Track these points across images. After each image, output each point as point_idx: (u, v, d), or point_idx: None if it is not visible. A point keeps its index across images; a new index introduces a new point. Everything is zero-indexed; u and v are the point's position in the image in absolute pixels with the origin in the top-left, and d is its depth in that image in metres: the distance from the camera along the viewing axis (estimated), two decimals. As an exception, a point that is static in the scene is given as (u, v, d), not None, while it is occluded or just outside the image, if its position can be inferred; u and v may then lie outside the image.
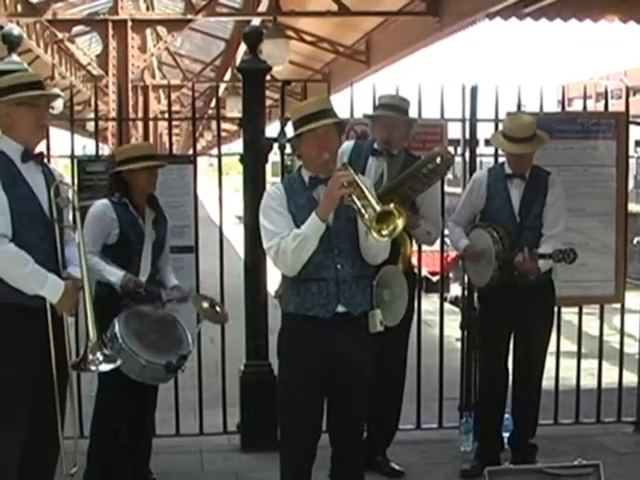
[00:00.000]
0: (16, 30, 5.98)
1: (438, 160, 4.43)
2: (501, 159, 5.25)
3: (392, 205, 3.34)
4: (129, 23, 10.52)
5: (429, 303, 8.19)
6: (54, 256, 3.45)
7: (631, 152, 6.10)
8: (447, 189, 5.39)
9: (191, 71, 18.50)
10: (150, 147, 4.65)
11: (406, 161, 4.58)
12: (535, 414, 4.87)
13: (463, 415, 5.18)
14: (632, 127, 5.53)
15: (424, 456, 5.11)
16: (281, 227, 3.47)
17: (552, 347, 4.90)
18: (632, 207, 18.83)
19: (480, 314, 4.90)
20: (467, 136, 5.40)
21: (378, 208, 3.28)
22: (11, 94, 3.40)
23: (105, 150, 9.38)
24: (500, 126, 5.27)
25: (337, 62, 14.89)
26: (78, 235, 3.50)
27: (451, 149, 5.00)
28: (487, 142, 5.22)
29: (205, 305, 4.37)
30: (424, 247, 5.23)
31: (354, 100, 5.16)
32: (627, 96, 5.81)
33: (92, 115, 5.84)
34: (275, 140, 5.14)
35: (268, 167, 5.29)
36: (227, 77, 16.40)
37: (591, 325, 6.02)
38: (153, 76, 17.23)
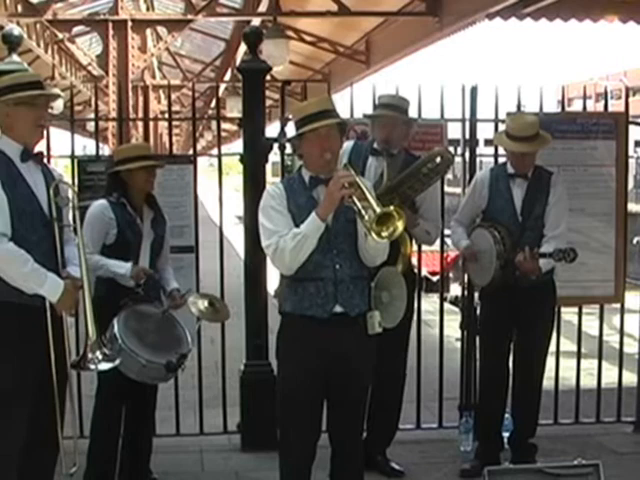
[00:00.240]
0: (16, 30, 5.97)
1: (438, 160, 4.44)
2: (501, 159, 5.27)
3: (392, 207, 3.34)
4: (129, 23, 10.52)
5: (429, 303, 8.20)
6: (53, 255, 3.45)
7: (631, 152, 6.12)
8: (447, 189, 5.39)
9: (191, 71, 18.51)
10: (148, 147, 4.65)
11: (406, 161, 4.58)
12: (535, 414, 4.87)
13: (463, 415, 5.18)
14: (632, 127, 5.54)
15: (424, 456, 5.11)
16: (280, 226, 3.47)
17: (552, 347, 4.90)
18: (632, 207, 18.86)
19: (481, 314, 4.90)
20: (467, 136, 5.41)
21: (378, 210, 3.28)
22: (10, 94, 3.41)
23: (105, 150, 9.39)
24: (500, 126, 5.30)
25: (337, 62, 14.89)
26: (78, 235, 3.51)
27: (451, 149, 5.00)
28: (487, 142, 5.23)
29: (204, 305, 4.37)
30: (424, 247, 5.24)
31: (354, 100, 5.17)
32: (627, 96, 5.82)
33: (92, 115, 5.86)
34: (275, 140, 5.15)
35: (268, 167, 5.29)
36: (227, 77, 16.40)
37: (591, 325, 6.02)
38: (153, 76, 17.25)
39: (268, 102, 6.68)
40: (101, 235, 4.26)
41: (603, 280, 5.43)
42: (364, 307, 3.56)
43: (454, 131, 5.38)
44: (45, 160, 3.69)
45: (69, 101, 5.59)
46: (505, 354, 4.78)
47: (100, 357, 3.42)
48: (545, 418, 5.21)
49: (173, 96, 10.99)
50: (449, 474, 4.81)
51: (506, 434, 4.91)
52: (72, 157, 5.18)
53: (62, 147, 5.61)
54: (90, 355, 3.40)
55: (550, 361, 4.95)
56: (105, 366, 3.49)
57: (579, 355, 5.56)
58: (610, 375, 5.69)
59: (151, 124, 13.25)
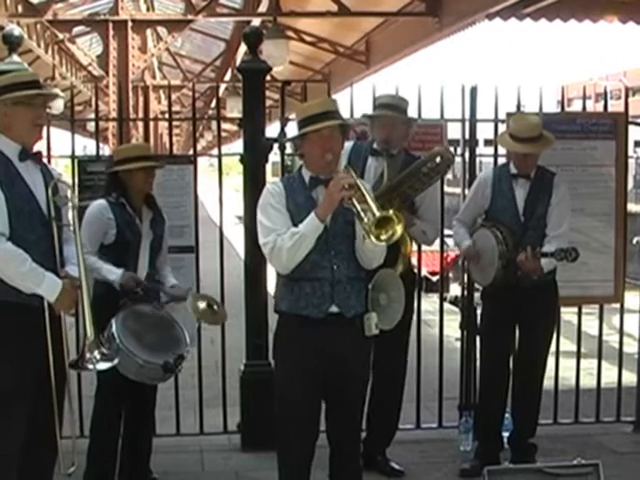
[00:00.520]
0: (17, 31, 5.98)
1: (438, 159, 4.44)
2: (501, 159, 5.28)
3: (392, 211, 3.35)
4: (129, 24, 10.53)
5: (429, 303, 8.20)
6: (52, 255, 3.45)
7: (630, 152, 6.12)
8: (447, 189, 5.40)
9: (191, 71, 18.52)
10: (147, 147, 4.65)
11: (405, 161, 4.59)
12: (535, 414, 4.88)
13: (463, 414, 5.18)
14: (631, 127, 5.54)
15: (424, 455, 5.11)
16: (278, 224, 3.47)
17: (552, 347, 4.90)
18: (631, 207, 18.87)
19: (483, 313, 4.91)
20: (467, 136, 5.41)
21: (378, 213, 3.28)
22: (7, 93, 3.41)
23: (106, 150, 9.39)
24: (500, 126, 5.31)
25: (337, 62, 14.90)
26: (77, 234, 3.51)
27: (451, 149, 5.00)
28: (487, 142, 5.23)
29: (202, 306, 4.37)
30: (424, 247, 5.24)
31: (354, 100, 5.17)
32: (626, 96, 5.83)
33: (93, 115, 5.87)
34: (275, 140, 5.15)
35: (268, 167, 5.30)
36: (227, 77, 16.41)
37: (590, 325, 6.03)
38: (153, 76, 17.26)
39: (268, 102, 6.69)
40: (99, 235, 4.26)
41: (603, 280, 5.44)
42: (360, 308, 3.56)
43: (454, 131, 5.38)
44: (45, 160, 3.69)
45: (69, 101, 5.60)
46: (506, 354, 4.79)
47: (98, 357, 3.42)
48: (545, 418, 5.21)
49: (173, 96, 10.99)
50: (449, 474, 4.81)
51: (506, 434, 4.92)
52: (72, 157, 5.18)
53: (62, 147, 5.62)
54: (88, 355, 3.40)
55: (550, 361, 4.95)
56: (103, 366, 3.48)
57: (579, 355, 5.57)
58: (610, 375, 5.70)
59: (151, 124, 13.25)
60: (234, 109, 14.19)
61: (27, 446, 3.45)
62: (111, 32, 10.50)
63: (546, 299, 4.71)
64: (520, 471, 3.97)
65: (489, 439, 4.85)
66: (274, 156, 5.31)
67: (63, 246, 3.53)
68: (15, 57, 5.60)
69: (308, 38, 13.37)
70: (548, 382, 5.07)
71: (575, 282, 5.19)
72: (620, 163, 5.46)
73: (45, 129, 4.79)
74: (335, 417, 3.64)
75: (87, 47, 14.65)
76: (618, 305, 5.60)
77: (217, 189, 5.42)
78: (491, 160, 5.41)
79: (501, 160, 5.26)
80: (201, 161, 18.77)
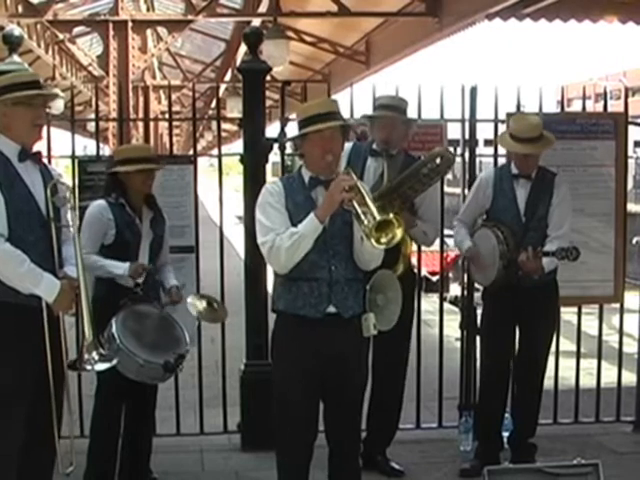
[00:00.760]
0: (17, 31, 5.97)
1: (438, 160, 4.44)
2: (501, 159, 5.28)
3: (392, 215, 3.35)
4: (130, 24, 10.54)
5: (429, 303, 8.21)
6: (50, 255, 3.45)
7: (630, 152, 6.11)
8: (447, 189, 5.40)
9: (191, 72, 18.52)
10: (148, 149, 4.64)
11: (405, 161, 4.59)
12: (536, 414, 4.88)
13: (463, 414, 5.18)
14: (631, 127, 5.54)
15: (424, 455, 5.12)
16: (277, 224, 3.47)
17: (552, 347, 4.90)
18: (631, 207, 18.87)
19: (483, 313, 4.91)
20: (467, 136, 5.41)
21: (378, 216, 3.28)
22: (7, 94, 3.41)
23: (106, 150, 9.39)
24: (500, 126, 5.31)
25: (337, 63, 14.90)
26: (75, 235, 3.51)
27: (451, 149, 5.01)
28: (487, 142, 5.22)
29: (202, 306, 4.38)
30: (424, 247, 5.24)
31: (354, 100, 5.18)
32: (626, 97, 5.83)
33: (93, 115, 5.86)
34: (275, 140, 5.15)
35: (268, 167, 5.30)
36: (227, 78, 16.42)
37: (590, 325, 6.03)
38: (154, 77, 17.27)
39: (268, 102, 6.69)
40: (99, 235, 4.27)
41: (602, 280, 5.44)
42: (358, 309, 3.56)
43: (454, 131, 5.39)
44: (46, 160, 3.69)
45: (70, 101, 5.60)
46: (506, 354, 4.79)
47: (97, 358, 3.42)
48: (545, 418, 5.22)
49: (173, 96, 11.00)
50: (449, 474, 4.82)
51: (506, 434, 4.92)
52: (73, 157, 5.19)
53: (63, 147, 5.63)
54: (86, 356, 3.40)
55: (550, 361, 4.96)
56: (102, 366, 3.49)
57: (578, 355, 5.57)
58: (609, 375, 5.70)
59: (151, 124, 13.26)
60: (234, 109, 14.20)
61: (26, 446, 3.45)
62: (111, 32, 10.50)
63: (547, 299, 4.72)
64: (520, 471, 3.97)
65: (489, 439, 4.85)
66: (274, 156, 5.31)
67: (62, 247, 3.53)
68: (15, 57, 5.60)
69: (308, 38, 13.38)
70: (548, 382, 5.07)
71: (575, 282, 5.20)
72: (620, 163, 5.46)
73: (45, 129, 4.81)
74: (333, 417, 3.64)
75: (87, 47, 14.65)
76: (618, 305, 5.60)
77: (217, 189, 5.43)
78: (491, 160, 5.41)
79: (501, 160, 5.26)
80: (201, 161, 18.78)
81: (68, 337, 3.53)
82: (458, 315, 5.53)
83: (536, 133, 4.56)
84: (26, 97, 3.42)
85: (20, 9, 10.44)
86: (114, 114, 9.25)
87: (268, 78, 5.44)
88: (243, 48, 11.34)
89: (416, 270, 5.12)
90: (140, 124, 9.54)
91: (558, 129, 5.11)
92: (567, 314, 5.95)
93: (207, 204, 17.91)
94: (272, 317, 3.75)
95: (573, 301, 5.38)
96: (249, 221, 5.00)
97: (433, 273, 12.70)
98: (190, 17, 10.97)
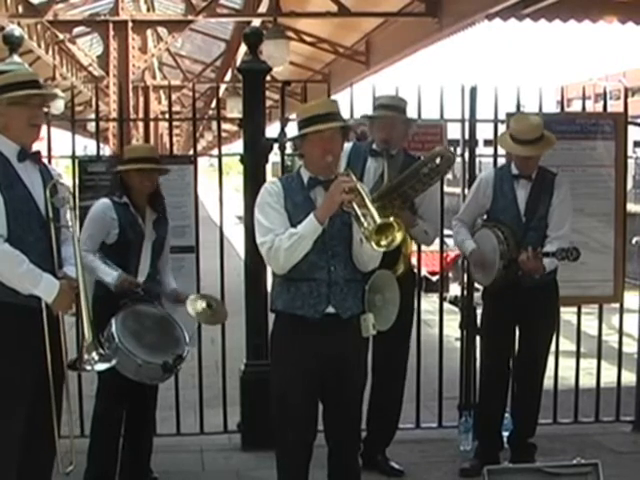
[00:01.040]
0: (17, 31, 5.98)
1: (438, 160, 4.45)
2: (501, 159, 5.28)
3: (392, 218, 3.35)
4: (130, 24, 10.55)
5: (429, 303, 8.21)
6: (50, 256, 3.44)
7: (630, 152, 6.12)
8: (447, 189, 5.40)
9: (192, 72, 18.53)
10: (149, 150, 4.63)
11: (405, 161, 4.60)
12: (535, 414, 4.88)
13: (462, 414, 5.19)
14: (631, 127, 5.55)
15: (424, 455, 5.12)
16: (276, 224, 3.47)
17: (551, 347, 4.91)
18: (631, 207, 18.86)
19: (484, 313, 4.91)
20: (466, 136, 5.42)
21: (379, 220, 3.28)
22: (3, 93, 3.41)
23: (106, 150, 9.41)
24: (499, 127, 5.31)
25: (337, 63, 14.91)
26: (74, 235, 3.52)
27: (451, 149, 5.01)
28: (486, 142, 5.22)
29: (201, 307, 4.37)
30: (424, 247, 5.25)
31: (354, 101, 5.18)
32: (626, 97, 5.84)
33: (93, 116, 5.86)
34: (275, 140, 5.16)
35: (268, 167, 5.31)
36: (227, 78, 16.42)
37: (590, 325, 6.03)
38: (154, 77, 17.28)
39: (268, 102, 6.70)
40: (102, 234, 4.28)
41: (602, 280, 5.45)
42: (357, 310, 3.57)
43: (453, 131, 5.39)
44: (46, 160, 3.68)
45: (70, 102, 5.60)
46: (506, 354, 4.80)
47: (96, 358, 3.42)
48: (544, 417, 5.22)
49: (173, 96, 11.00)
50: (449, 473, 4.82)
51: (506, 433, 4.93)
52: (73, 157, 5.19)
53: (63, 147, 5.63)
54: (86, 356, 3.40)
55: (550, 361, 4.96)
56: (101, 367, 3.49)
57: (578, 355, 5.57)
58: (609, 375, 5.70)
59: (152, 124, 13.26)
60: (234, 109, 14.20)
61: (26, 446, 3.46)
62: (111, 32, 10.51)
63: (547, 299, 4.72)
64: (520, 471, 3.98)
65: (489, 439, 4.86)
66: (274, 156, 5.31)
67: (61, 247, 3.53)
68: (16, 57, 5.61)
69: (308, 38, 13.38)
70: (548, 382, 5.07)
71: (574, 282, 5.20)
72: (620, 163, 5.47)
73: (46, 129, 4.81)
74: (333, 417, 3.64)
75: (87, 47, 14.66)
76: (617, 305, 5.60)
77: (217, 189, 5.43)
78: (491, 160, 5.42)
79: (501, 160, 5.27)
80: (201, 161, 18.80)
81: (68, 337, 3.53)
82: (458, 315, 5.53)
83: (537, 134, 4.56)
84: (22, 97, 3.42)
85: (20, 9, 10.45)
86: (114, 114, 9.26)
87: (268, 78, 5.44)
88: (243, 48, 11.35)
89: (416, 270, 5.12)
90: (140, 124, 9.54)
91: (558, 129, 5.11)
92: (567, 314, 5.95)
93: (207, 204, 17.92)
94: (272, 317, 3.76)
95: (573, 301, 5.39)
96: (249, 221, 5.00)
97: (433, 273, 12.71)
98: (190, 17, 10.98)
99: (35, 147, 3.59)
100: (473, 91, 5.27)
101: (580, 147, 5.39)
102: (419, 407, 5.44)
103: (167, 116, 6.40)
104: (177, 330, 4.30)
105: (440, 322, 5.53)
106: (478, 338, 5.04)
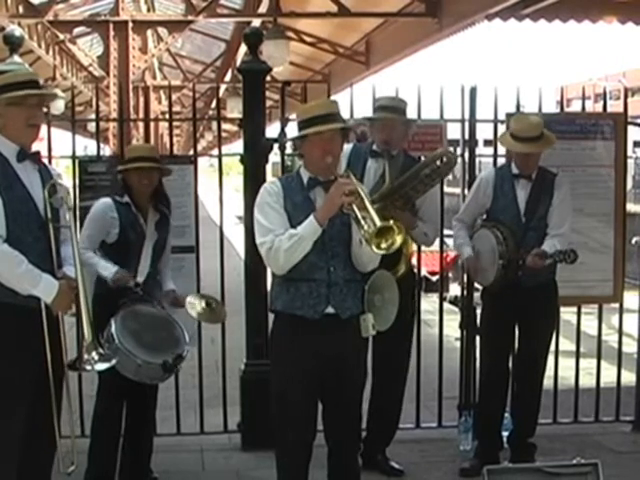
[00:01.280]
0: (17, 31, 5.98)
1: (439, 162, 4.46)
2: (500, 159, 5.29)
3: (392, 221, 3.35)
4: (130, 24, 10.56)
5: (429, 303, 8.22)
6: (49, 256, 3.44)
7: (629, 152, 6.12)
8: (447, 189, 5.41)
9: (192, 72, 18.53)
10: (149, 149, 4.63)
11: (405, 162, 4.60)
12: (535, 414, 4.89)
13: (462, 414, 5.19)
14: (630, 128, 5.55)
15: (424, 455, 5.12)
16: (275, 224, 3.47)
17: (551, 346, 4.91)
18: (630, 207, 18.86)
19: (483, 313, 4.92)
20: (466, 137, 5.42)
21: (379, 223, 3.28)
22: (2, 94, 3.41)
23: (106, 151, 9.41)
24: (499, 127, 5.32)
25: (337, 63, 14.92)
26: (74, 235, 3.52)
27: (450, 149, 5.02)
28: (486, 142, 5.23)
29: (201, 306, 4.38)
30: (423, 247, 5.25)
31: (354, 101, 5.18)
32: (625, 97, 5.84)
33: (93, 116, 5.87)
34: (275, 140, 5.16)
35: (268, 167, 5.31)
36: (227, 78, 16.43)
37: (590, 325, 6.03)
38: (154, 77, 17.29)
39: (268, 103, 6.69)
40: (102, 233, 4.29)
41: (602, 280, 5.45)
42: (356, 310, 3.57)
43: (453, 131, 5.40)
44: (46, 160, 3.69)
45: (70, 102, 5.60)
46: (506, 353, 4.80)
47: (96, 358, 3.42)
48: (544, 417, 5.22)
49: (174, 97, 11.01)
50: (449, 473, 4.83)
51: (506, 433, 4.93)
52: (73, 157, 5.20)
53: (63, 147, 5.64)
54: (86, 356, 3.41)
55: (549, 360, 4.97)
56: (101, 366, 3.49)
57: (578, 354, 5.58)
58: (609, 374, 5.70)
59: (152, 125, 13.26)
60: (234, 109, 14.21)
61: (26, 445, 3.46)
62: (112, 33, 10.52)
63: (546, 299, 4.73)
64: (519, 470, 3.98)
65: (489, 438, 4.86)
66: (274, 156, 5.32)
67: (60, 247, 3.52)
68: (16, 58, 5.61)
69: (308, 39, 13.39)
70: (547, 382, 5.08)
71: (574, 282, 5.20)
72: (619, 163, 5.47)
73: (46, 129, 4.81)
74: (332, 417, 3.64)
75: (88, 48, 14.67)
76: (617, 305, 5.61)
77: (217, 189, 5.44)
78: (491, 160, 5.42)
79: (501, 160, 5.27)
80: (201, 161, 18.80)
81: (68, 337, 3.53)
82: (458, 315, 5.53)
83: (537, 132, 4.57)
84: (19, 97, 3.41)
85: (21, 9, 10.46)
86: (114, 114, 9.27)
87: (268, 78, 5.45)
88: (243, 48, 11.35)
89: (416, 270, 5.13)
90: (140, 124, 9.54)
91: (558, 129, 5.12)
92: (567, 314, 5.95)
93: (207, 204, 17.92)
94: (272, 317, 3.76)
95: (573, 301, 5.39)
96: (249, 221, 5.00)
97: (433, 273, 12.70)
98: (190, 17, 10.99)
99: (35, 147, 3.59)
100: (473, 91, 5.27)
101: (580, 147, 5.40)
102: (419, 407, 5.44)
103: (167, 116, 6.40)
104: (177, 330, 4.30)
105: (440, 322, 5.53)
106: (478, 338, 5.04)
